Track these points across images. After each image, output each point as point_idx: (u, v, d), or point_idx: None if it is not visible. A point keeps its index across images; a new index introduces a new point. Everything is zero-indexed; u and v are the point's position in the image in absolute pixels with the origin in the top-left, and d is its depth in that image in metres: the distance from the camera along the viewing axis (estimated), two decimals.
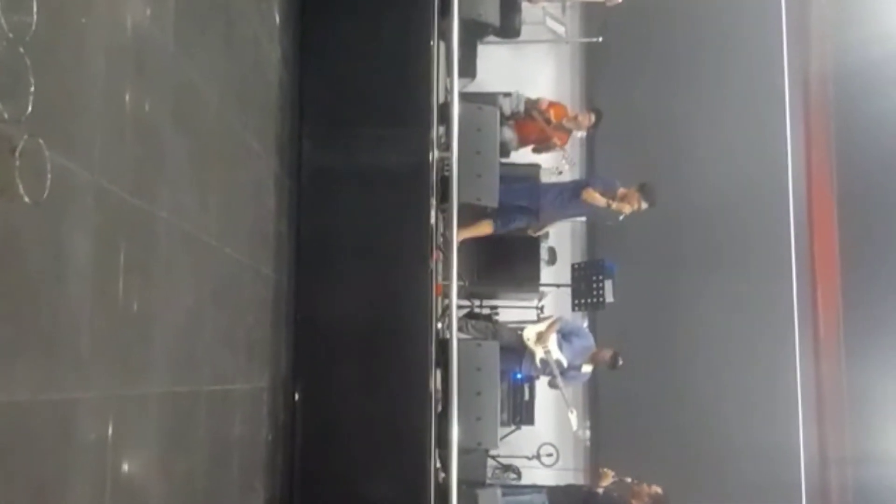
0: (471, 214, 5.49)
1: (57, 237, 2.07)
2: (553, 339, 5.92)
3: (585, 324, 6.64)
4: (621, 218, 5.97)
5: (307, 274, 4.41)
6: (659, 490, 5.91)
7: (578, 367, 6.07)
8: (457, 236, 4.72)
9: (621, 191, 5.95)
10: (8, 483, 1.88)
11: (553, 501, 5.98)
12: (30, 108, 1.22)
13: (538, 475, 6.63)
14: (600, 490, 6.04)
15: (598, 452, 7.40)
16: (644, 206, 5.94)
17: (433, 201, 4.65)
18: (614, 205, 5.92)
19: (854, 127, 7.43)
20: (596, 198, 5.94)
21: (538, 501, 5.95)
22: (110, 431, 2.37)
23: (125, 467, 2.50)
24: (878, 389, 7.00)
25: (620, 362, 5.93)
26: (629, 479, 5.98)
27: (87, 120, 2.24)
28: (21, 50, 1.19)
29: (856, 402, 7.24)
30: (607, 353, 5.97)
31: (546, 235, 6.68)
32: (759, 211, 7.59)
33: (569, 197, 6.15)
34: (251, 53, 3.91)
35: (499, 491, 5.50)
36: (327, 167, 4.50)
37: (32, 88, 1.23)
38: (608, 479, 6.03)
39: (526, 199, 6.03)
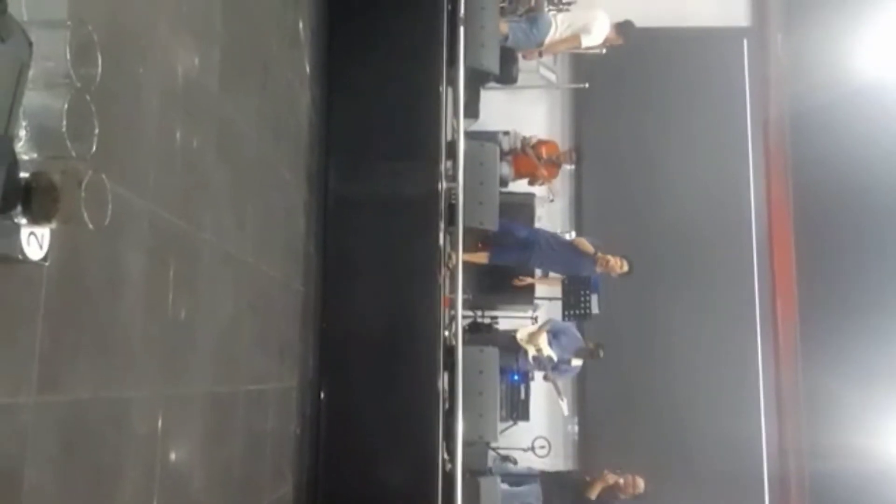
0: (472, 243, 5.49)
1: (115, 256, 2.08)
2: (544, 338, 5.91)
3: (573, 325, 6.58)
4: (598, 271, 5.96)
5: (332, 288, 4.40)
6: (641, 485, 5.84)
7: (569, 362, 6.05)
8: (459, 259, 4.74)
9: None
10: (72, 469, 1.88)
11: (546, 487, 5.92)
12: (94, 148, 1.23)
13: (533, 464, 6.57)
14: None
15: (585, 444, 7.35)
16: (625, 268, 5.93)
17: (441, 225, 4.64)
18: (599, 254, 5.92)
19: (807, 160, 7.43)
20: (585, 244, 5.97)
21: (534, 493, 5.88)
22: (160, 425, 2.37)
23: (172, 456, 2.49)
24: (830, 390, 6.94)
25: (602, 353, 5.90)
26: (621, 480, 5.86)
27: (143, 154, 2.26)
28: (87, 98, 1.20)
29: (811, 401, 7.19)
30: (590, 344, 5.96)
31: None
32: (726, 233, 7.57)
33: (562, 241, 6.18)
34: (285, 97, 3.93)
35: (498, 478, 5.45)
36: (350, 195, 4.50)
37: (97, 131, 1.24)
38: (610, 481, 5.88)
39: (525, 233, 6.04)
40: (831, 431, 6.96)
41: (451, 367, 4.54)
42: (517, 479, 6.04)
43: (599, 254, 5.90)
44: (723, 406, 7.19)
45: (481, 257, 5.81)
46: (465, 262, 4.86)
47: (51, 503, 1.79)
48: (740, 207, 7.60)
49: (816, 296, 7.23)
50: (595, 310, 6.23)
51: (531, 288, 6.56)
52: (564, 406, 6.09)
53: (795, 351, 7.35)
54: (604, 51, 6.53)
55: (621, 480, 5.84)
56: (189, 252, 2.62)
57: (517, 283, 6.31)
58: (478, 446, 5.33)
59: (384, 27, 4.63)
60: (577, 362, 6.06)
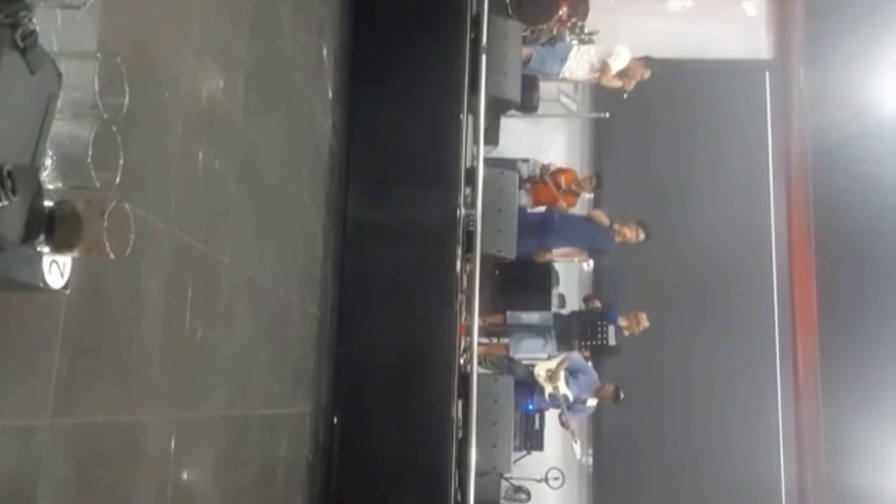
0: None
1: (134, 279, 2.09)
2: (561, 376, 5.84)
3: (590, 363, 6.54)
4: (617, 240, 5.97)
5: (348, 313, 4.40)
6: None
7: (584, 401, 5.97)
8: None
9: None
10: (85, 492, 1.88)
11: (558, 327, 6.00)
12: (119, 178, 1.25)
13: (546, 495, 6.49)
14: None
15: (599, 477, 7.25)
16: (641, 237, 5.94)
17: (459, 252, 4.64)
18: (616, 226, 5.92)
19: (829, 194, 7.37)
20: (600, 216, 5.99)
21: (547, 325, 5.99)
22: (172, 449, 2.36)
23: (185, 480, 2.48)
24: (851, 430, 6.82)
25: (622, 396, 5.85)
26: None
27: (166, 178, 2.28)
28: (114, 128, 1.21)
29: (831, 441, 7.06)
30: (610, 388, 5.88)
31: (556, 276, 6.62)
32: (746, 267, 7.51)
33: (577, 216, 6.19)
34: (306, 122, 3.97)
35: None
36: (368, 220, 4.52)
37: (121, 161, 1.25)
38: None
39: (538, 217, 6.07)
40: (852, 472, 6.82)
41: (465, 395, 4.50)
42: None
43: (616, 225, 5.89)
44: (741, 444, 7.08)
45: None
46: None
47: None
48: (761, 241, 7.53)
49: (838, 332, 7.13)
50: (612, 341, 6.18)
51: (548, 290, 6.52)
52: (577, 448, 6.02)
53: (816, 389, 7.23)
54: (625, 96, 6.53)
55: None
56: (208, 276, 2.63)
57: (539, 258, 6.26)
58: (491, 476, 5.28)
59: (407, 55, 4.67)
60: (592, 402, 5.98)
